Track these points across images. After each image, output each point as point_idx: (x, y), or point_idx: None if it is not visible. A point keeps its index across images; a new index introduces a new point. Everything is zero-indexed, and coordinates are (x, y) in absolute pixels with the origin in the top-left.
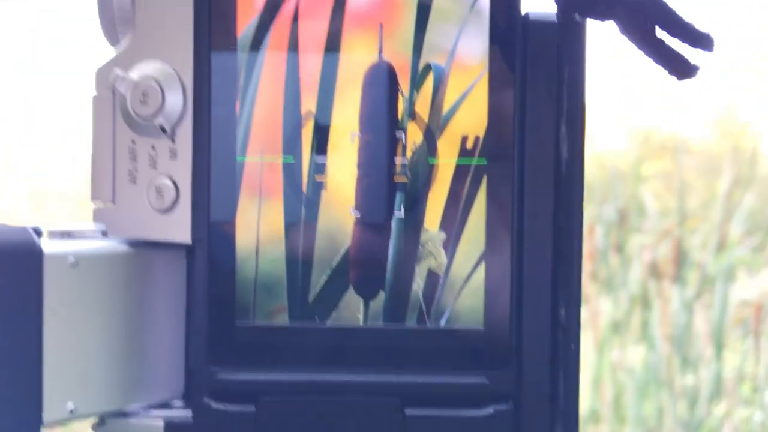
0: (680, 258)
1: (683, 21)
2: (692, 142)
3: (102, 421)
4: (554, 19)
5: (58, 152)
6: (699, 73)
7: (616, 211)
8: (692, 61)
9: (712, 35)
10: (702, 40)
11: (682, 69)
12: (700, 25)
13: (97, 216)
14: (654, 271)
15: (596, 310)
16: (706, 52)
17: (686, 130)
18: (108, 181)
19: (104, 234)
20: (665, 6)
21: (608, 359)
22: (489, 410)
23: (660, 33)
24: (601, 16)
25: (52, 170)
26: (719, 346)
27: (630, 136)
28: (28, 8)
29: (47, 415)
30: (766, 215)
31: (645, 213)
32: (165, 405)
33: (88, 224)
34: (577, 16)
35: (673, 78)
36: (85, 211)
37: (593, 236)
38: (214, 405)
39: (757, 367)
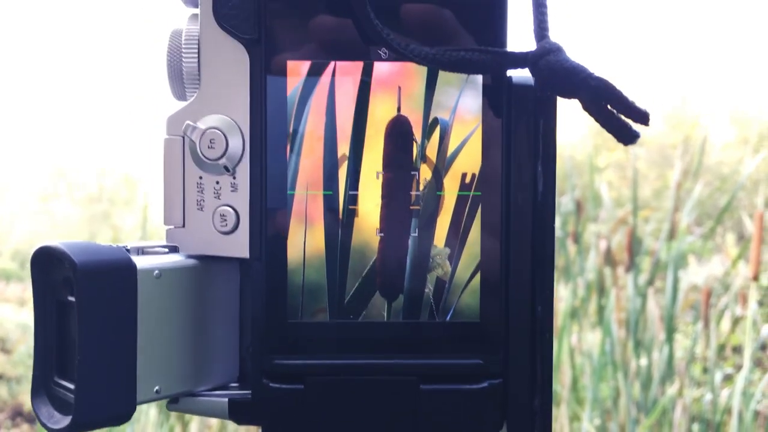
0: (634, 246)
1: (628, 101)
2: (645, 134)
3: (175, 400)
4: (532, 83)
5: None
6: (638, 140)
7: (573, 202)
8: (634, 129)
9: (649, 112)
10: (640, 116)
11: (626, 136)
12: (640, 104)
13: (170, 237)
14: (609, 259)
15: (555, 298)
16: (643, 126)
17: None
18: (179, 209)
19: (172, 250)
20: (614, 89)
21: (567, 344)
22: (484, 384)
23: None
24: (568, 96)
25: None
26: (671, 330)
27: (586, 127)
28: None
29: (140, 396)
30: (715, 204)
31: (601, 203)
32: (223, 387)
33: (156, 242)
34: (549, 93)
35: (620, 143)
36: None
37: None
38: (271, 385)
39: (707, 349)
